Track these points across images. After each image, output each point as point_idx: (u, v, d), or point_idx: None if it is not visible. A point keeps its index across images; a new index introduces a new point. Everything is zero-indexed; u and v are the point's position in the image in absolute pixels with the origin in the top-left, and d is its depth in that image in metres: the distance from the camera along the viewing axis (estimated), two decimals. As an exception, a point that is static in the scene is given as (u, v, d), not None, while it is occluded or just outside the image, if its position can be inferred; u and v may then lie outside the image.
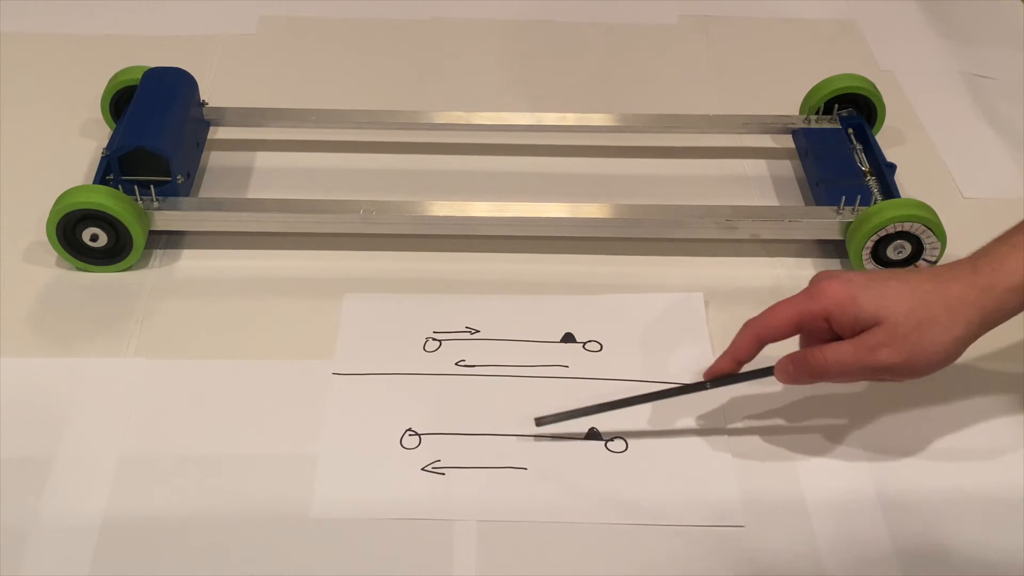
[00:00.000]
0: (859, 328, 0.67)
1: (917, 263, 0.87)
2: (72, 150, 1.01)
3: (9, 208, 0.94)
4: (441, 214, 0.90)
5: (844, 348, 0.67)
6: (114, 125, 1.01)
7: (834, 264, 0.91)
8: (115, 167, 0.89)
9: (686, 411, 0.78)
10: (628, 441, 0.76)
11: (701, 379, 0.73)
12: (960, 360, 0.82)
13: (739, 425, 0.77)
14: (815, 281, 0.70)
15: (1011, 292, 0.67)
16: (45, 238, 0.87)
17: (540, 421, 0.74)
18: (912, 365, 0.67)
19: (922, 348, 0.67)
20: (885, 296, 0.67)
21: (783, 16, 1.26)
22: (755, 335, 0.70)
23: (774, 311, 0.70)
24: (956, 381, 0.81)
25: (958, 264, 0.69)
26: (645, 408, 0.78)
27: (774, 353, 0.71)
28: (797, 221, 0.90)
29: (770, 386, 0.79)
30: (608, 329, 0.84)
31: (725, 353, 0.72)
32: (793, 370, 0.69)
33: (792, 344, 0.72)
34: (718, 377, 0.72)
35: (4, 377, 0.79)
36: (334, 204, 0.91)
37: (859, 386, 0.80)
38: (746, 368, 0.72)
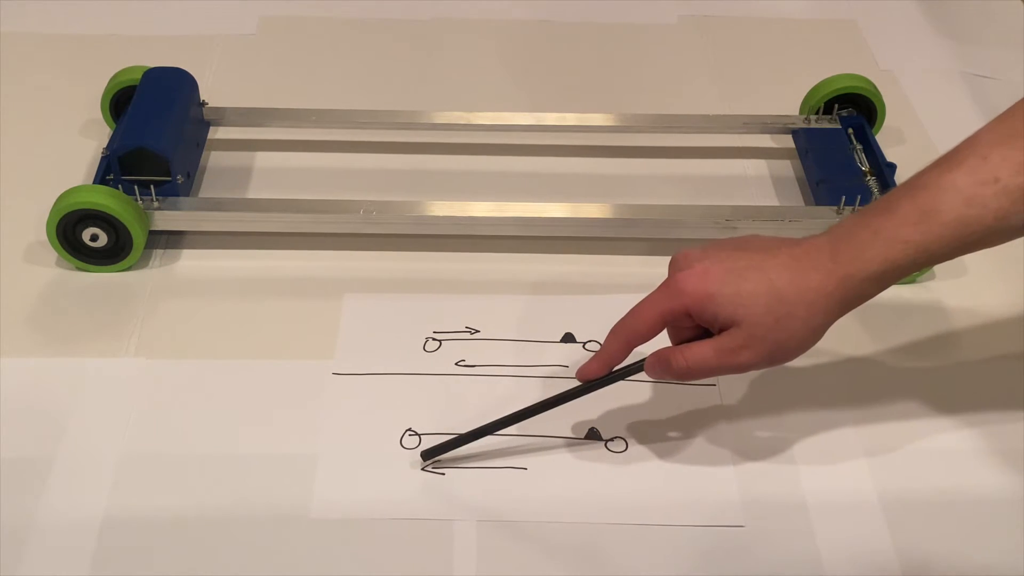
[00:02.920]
0: (718, 326, 0.67)
1: None
2: (72, 150, 1.01)
3: (9, 208, 0.94)
4: (441, 214, 0.90)
5: (705, 351, 0.67)
6: (114, 125, 1.01)
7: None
8: (115, 167, 0.89)
9: (686, 411, 0.78)
10: (628, 441, 0.76)
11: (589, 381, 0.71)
12: (960, 360, 0.83)
13: (739, 425, 0.77)
14: (672, 270, 0.69)
15: (869, 281, 0.66)
16: (45, 238, 0.87)
17: (426, 455, 0.73)
18: (772, 359, 0.67)
19: (781, 344, 0.66)
20: (742, 295, 0.65)
21: (783, 16, 1.26)
22: (624, 340, 0.70)
23: (638, 314, 0.69)
24: (958, 381, 0.81)
25: (817, 247, 0.67)
26: (645, 408, 0.78)
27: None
28: (797, 221, 0.90)
29: (770, 386, 0.79)
30: (608, 329, 0.84)
31: (596, 357, 0.71)
32: (659, 369, 0.69)
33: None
34: (592, 380, 0.71)
35: (4, 377, 0.79)
36: (334, 204, 0.91)
37: (860, 386, 0.80)
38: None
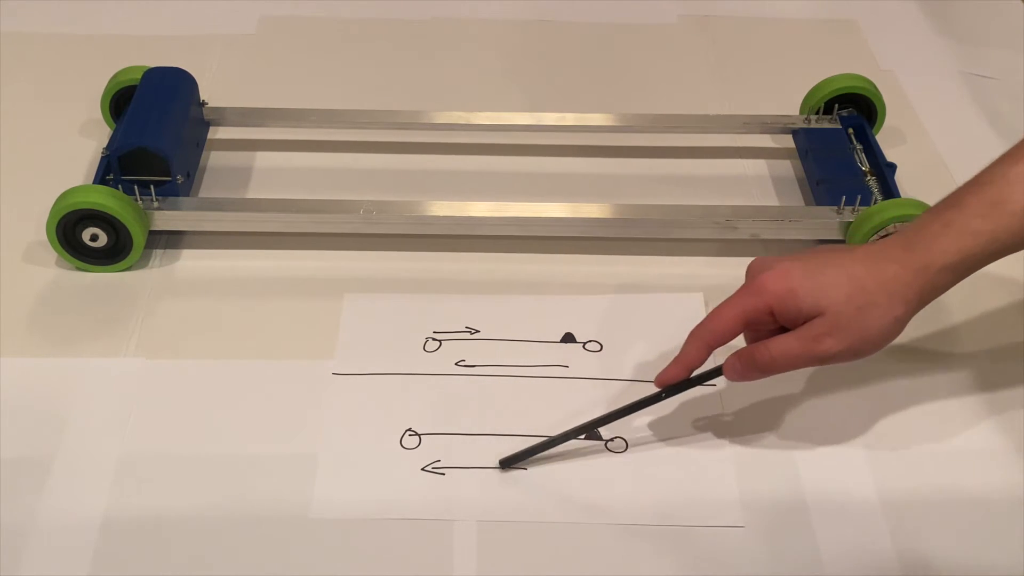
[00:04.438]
0: (802, 319, 0.68)
1: None
2: (72, 150, 1.01)
3: (9, 208, 0.94)
4: (441, 214, 0.90)
5: (789, 341, 0.68)
6: (114, 125, 1.01)
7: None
8: (115, 167, 0.89)
9: (686, 411, 0.78)
10: (628, 441, 0.76)
11: (656, 388, 0.72)
12: (961, 360, 0.83)
13: (739, 425, 0.77)
14: (752, 274, 0.70)
15: (945, 271, 0.67)
16: (45, 238, 0.87)
17: (505, 463, 0.73)
18: (856, 350, 0.68)
19: (865, 332, 0.67)
20: (823, 286, 0.67)
21: (783, 16, 1.26)
22: (704, 342, 0.70)
23: (719, 315, 0.70)
24: (958, 381, 0.81)
25: (890, 244, 0.69)
26: (646, 408, 0.78)
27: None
28: (797, 221, 0.90)
29: (770, 387, 0.79)
30: (608, 329, 0.84)
31: (675, 361, 0.71)
32: (741, 368, 0.70)
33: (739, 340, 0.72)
34: (671, 385, 0.72)
35: (4, 377, 0.79)
36: (334, 204, 0.91)
37: (859, 386, 0.80)
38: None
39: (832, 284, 0.67)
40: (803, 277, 0.68)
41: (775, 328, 0.70)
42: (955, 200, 0.69)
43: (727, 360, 0.71)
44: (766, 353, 0.68)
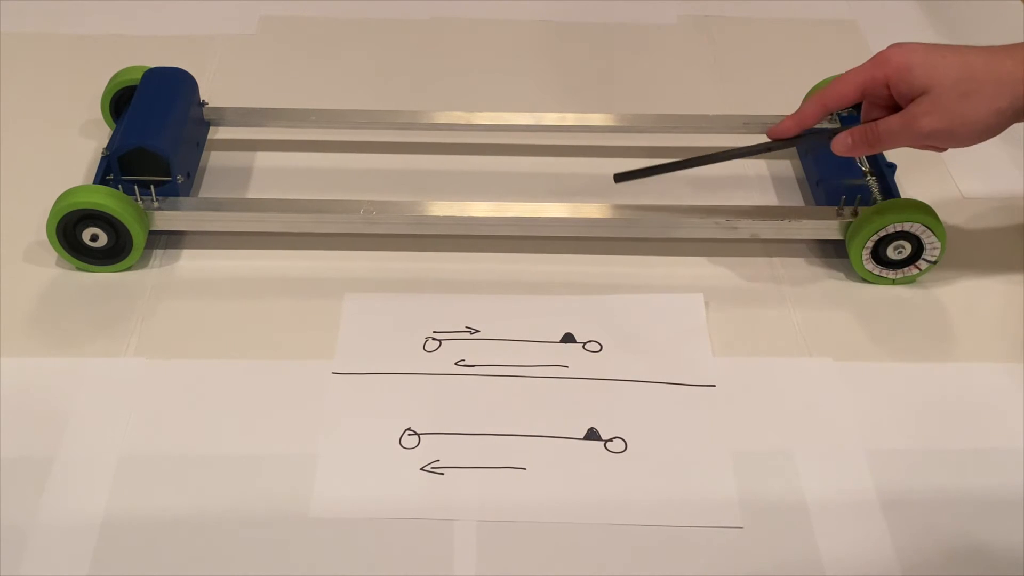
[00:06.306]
0: (912, 95, 0.74)
1: (917, 263, 0.87)
2: (72, 150, 1.01)
3: (9, 208, 0.94)
4: (441, 214, 0.90)
5: (892, 118, 0.76)
6: (114, 125, 1.01)
7: (833, 265, 0.91)
8: (115, 167, 0.89)
9: (685, 411, 0.78)
10: (627, 441, 0.76)
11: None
12: (960, 360, 0.83)
13: (738, 425, 0.77)
14: (883, 51, 0.77)
15: None
16: (45, 238, 0.87)
17: (619, 177, 0.83)
18: (953, 132, 0.73)
19: (964, 117, 0.72)
20: (936, 66, 0.73)
21: (783, 16, 1.26)
22: (822, 103, 0.79)
23: (842, 80, 0.78)
24: (957, 381, 0.81)
25: (1014, 45, 0.74)
26: (645, 408, 0.78)
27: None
28: (797, 221, 0.90)
29: (769, 387, 0.79)
30: (608, 329, 0.84)
31: (791, 116, 0.80)
32: (852, 142, 0.78)
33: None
34: (780, 139, 0.82)
35: (4, 377, 0.79)
36: (334, 204, 0.91)
37: (859, 385, 0.80)
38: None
39: (946, 65, 0.72)
40: (923, 56, 0.74)
41: (889, 105, 0.77)
42: None
43: (838, 136, 0.79)
44: (874, 129, 0.76)
